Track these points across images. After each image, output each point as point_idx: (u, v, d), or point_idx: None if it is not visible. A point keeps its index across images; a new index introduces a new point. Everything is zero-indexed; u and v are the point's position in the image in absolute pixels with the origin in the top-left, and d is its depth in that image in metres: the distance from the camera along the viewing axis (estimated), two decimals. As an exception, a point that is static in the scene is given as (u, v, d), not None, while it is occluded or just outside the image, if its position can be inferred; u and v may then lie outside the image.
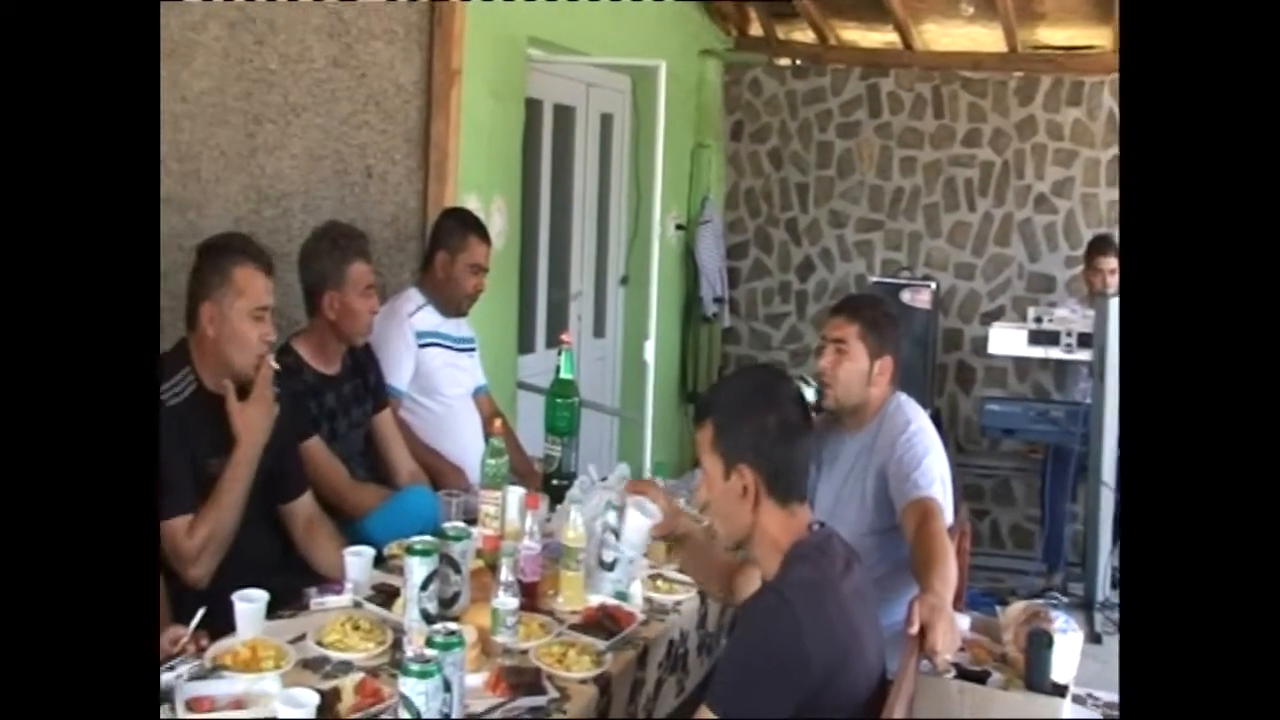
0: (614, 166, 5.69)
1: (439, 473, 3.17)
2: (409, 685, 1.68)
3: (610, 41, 5.00)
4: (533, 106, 4.68)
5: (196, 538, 2.32)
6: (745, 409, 1.87)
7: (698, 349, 6.37)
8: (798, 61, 6.48)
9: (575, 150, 5.34)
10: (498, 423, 2.92)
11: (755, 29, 6.48)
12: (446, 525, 2.31)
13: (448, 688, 1.72)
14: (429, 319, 3.34)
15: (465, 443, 3.32)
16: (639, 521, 2.14)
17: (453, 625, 1.88)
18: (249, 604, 2.07)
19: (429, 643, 1.76)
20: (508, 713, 1.89)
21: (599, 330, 5.76)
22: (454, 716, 1.75)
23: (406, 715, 1.68)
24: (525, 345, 4.86)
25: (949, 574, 2.22)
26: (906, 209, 6.28)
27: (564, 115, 5.19)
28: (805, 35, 6.37)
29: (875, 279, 6.09)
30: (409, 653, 1.90)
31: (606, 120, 5.59)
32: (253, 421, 2.42)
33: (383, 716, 1.83)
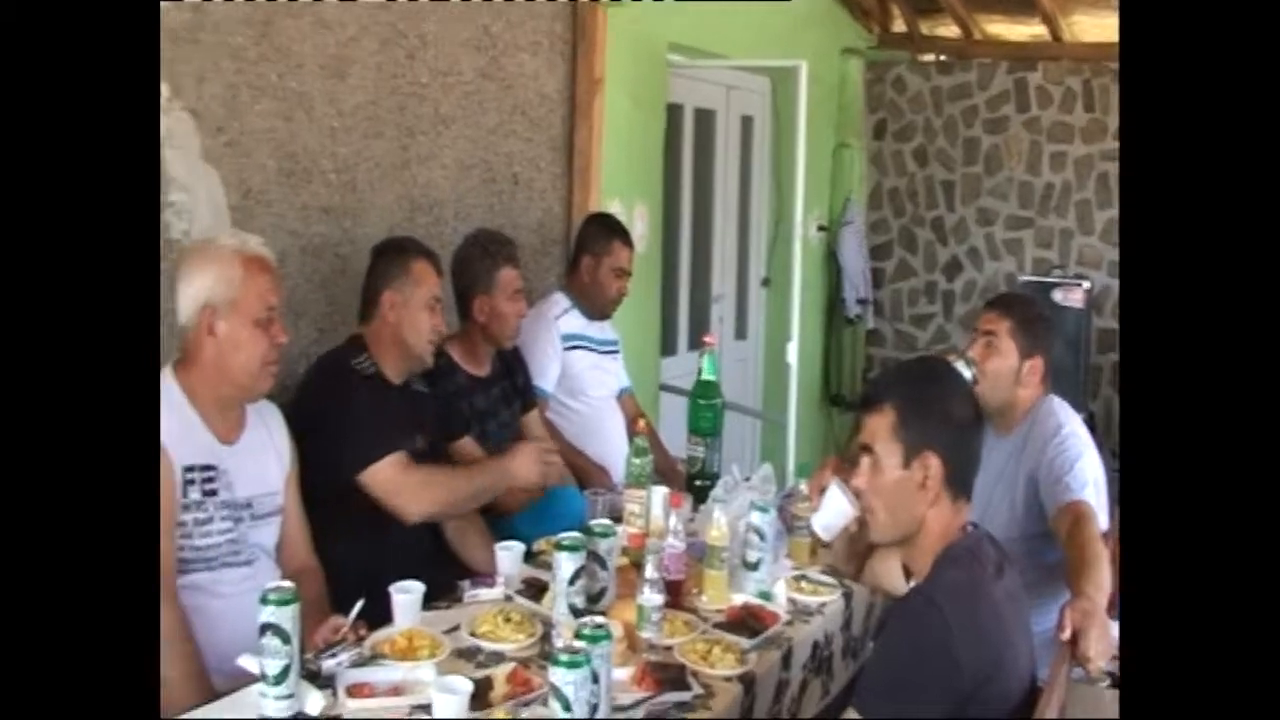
0: (755, 169, 5.70)
1: (584, 472, 3.23)
2: (559, 675, 1.72)
3: (750, 43, 5.00)
4: (673, 111, 4.72)
5: (418, 473, 2.50)
6: (931, 395, 1.80)
7: (840, 351, 6.31)
8: (942, 57, 6.35)
9: (716, 153, 5.36)
10: (641, 423, 2.96)
11: (898, 25, 6.38)
12: (593, 523, 2.35)
13: (595, 679, 1.75)
14: (574, 322, 3.41)
15: (610, 443, 3.38)
16: (842, 504, 2.06)
17: (600, 619, 1.92)
18: (406, 595, 2.14)
19: (578, 635, 1.80)
20: (653, 707, 1.92)
21: (740, 332, 5.76)
22: (601, 708, 1.78)
23: (556, 704, 1.72)
24: (668, 347, 4.91)
25: (1103, 579, 2.15)
26: (1057, 205, 6.09)
27: (704, 119, 5.22)
28: (949, 30, 6.24)
29: (1026, 278, 5.93)
30: (558, 644, 1.95)
31: (747, 122, 5.59)
32: (518, 467, 2.61)
33: (533, 705, 1.88)
